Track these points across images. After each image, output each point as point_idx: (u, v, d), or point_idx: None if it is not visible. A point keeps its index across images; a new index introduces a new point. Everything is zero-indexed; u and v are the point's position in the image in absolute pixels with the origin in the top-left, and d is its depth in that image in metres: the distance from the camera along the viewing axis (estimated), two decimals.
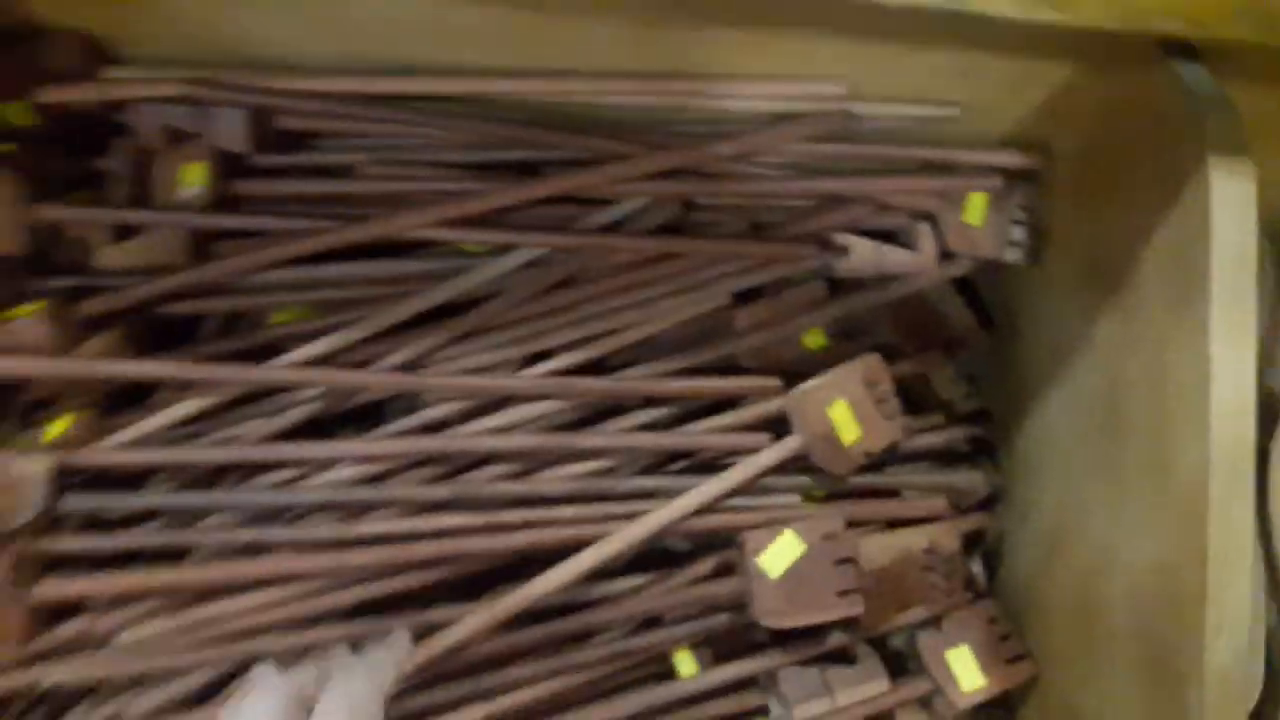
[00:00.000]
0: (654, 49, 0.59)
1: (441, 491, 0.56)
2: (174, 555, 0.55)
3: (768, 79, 0.61)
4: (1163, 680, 0.50)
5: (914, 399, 0.65)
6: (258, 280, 0.61)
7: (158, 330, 0.61)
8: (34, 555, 0.52)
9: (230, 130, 0.60)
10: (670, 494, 0.57)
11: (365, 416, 0.61)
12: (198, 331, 0.62)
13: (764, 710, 0.59)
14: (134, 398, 0.60)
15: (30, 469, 0.54)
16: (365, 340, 0.59)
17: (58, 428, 0.57)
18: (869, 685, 0.58)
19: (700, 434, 0.59)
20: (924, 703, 0.59)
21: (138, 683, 0.54)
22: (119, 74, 0.60)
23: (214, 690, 0.54)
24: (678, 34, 0.58)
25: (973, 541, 0.64)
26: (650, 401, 0.61)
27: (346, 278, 0.62)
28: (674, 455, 0.60)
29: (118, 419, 0.58)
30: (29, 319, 0.56)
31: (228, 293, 0.61)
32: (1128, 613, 0.53)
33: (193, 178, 0.60)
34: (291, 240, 0.60)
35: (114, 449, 0.55)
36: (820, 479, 0.59)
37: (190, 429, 0.58)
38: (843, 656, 0.59)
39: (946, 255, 0.64)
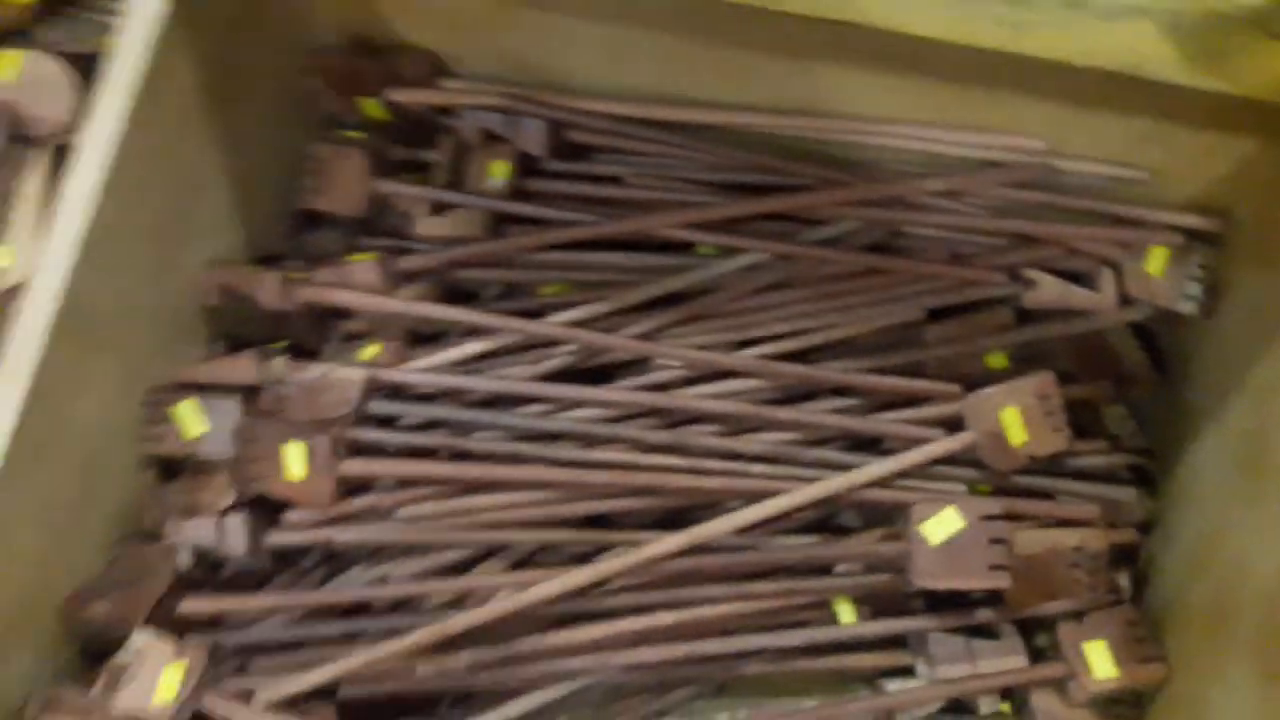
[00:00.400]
0: (881, 97, 0.71)
1: (661, 436, 0.68)
2: (450, 456, 0.68)
3: (977, 130, 0.71)
4: None
5: (1083, 426, 0.72)
6: (535, 258, 0.76)
7: (451, 290, 0.76)
8: (345, 440, 0.67)
9: (533, 137, 0.75)
10: (848, 468, 0.67)
11: (600, 377, 0.73)
12: (479, 296, 0.78)
13: (909, 670, 0.68)
14: (427, 339, 0.75)
15: (350, 376, 0.69)
16: (611, 314, 0.73)
17: (369, 351, 0.73)
18: (1009, 659, 0.66)
19: (883, 422, 0.69)
20: (1057, 685, 0.66)
21: (405, 552, 0.68)
22: (451, 85, 0.77)
23: (466, 566, 0.67)
24: (903, 84, 0.69)
25: (1123, 557, 0.71)
26: (840, 391, 0.71)
27: (603, 264, 0.76)
28: (856, 441, 0.70)
29: (414, 352, 0.73)
30: (364, 264, 0.73)
31: (510, 265, 0.76)
32: (1255, 617, 0.59)
33: (498, 171, 0.76)
34: (566, 229, 0.74)
35: (415, 371, 0.70)
36: (986, 476, 0.68)
37: (469, 367, 0.72)
38: (988, 632, 0.67)
39: (1126, 300, 0.72)
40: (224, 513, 0.66)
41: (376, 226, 0.77)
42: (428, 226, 0.76)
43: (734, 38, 0.70)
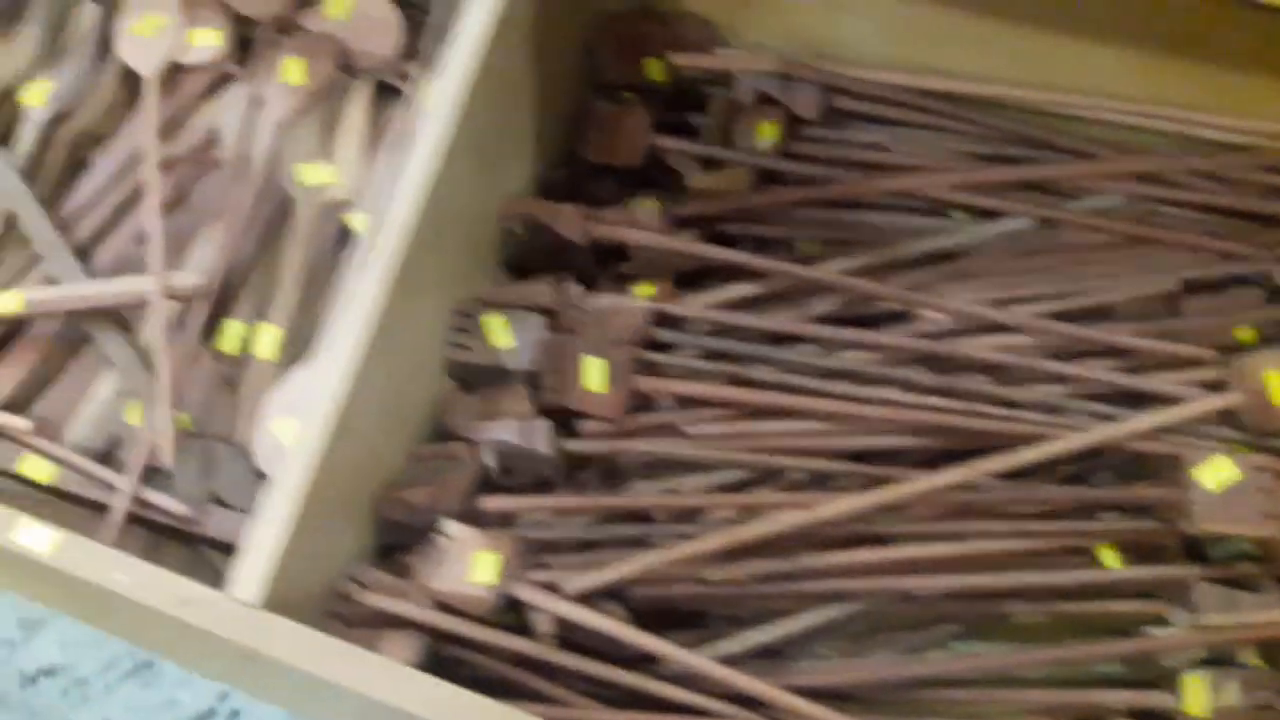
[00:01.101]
0: (1146, 79, 0.75)
1: (934, 380, 0.72)
2: (732, 384, 0.73)
3: (1239, 115, 0.75)
4: None
5: None
6: (797, 215, 0.80)
7: (714, 240, 0.81)
8: (635, 360, 0.71)
9: (806, 101, 0.80)
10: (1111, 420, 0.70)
11: (863, 327, 0.77)
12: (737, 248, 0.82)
13: (1161, 621, 0.70)
14: (690, 284, 0.80)
15: (637, 305, 0.74)
16: (878, 267, 0.77)
17: (644, 290, 0.77)
18: (1272, 612, 0.68)
19: (1153, 380, 0.72)
20: None
21: (685, 469, 0.72)
22: (726, 51, 0.82)
23: (745, 485, 0.71)
24: (1172, 67, 0.74)
25: None
26: (1100, 354, 0.74)
27: (863, 223, 0.80)
28: (1121, 399, 0.73)
29: (682, 294, 0.78)
30: (647, 209, 0.78)
31: (773, 220, 0.80)
32: None
33: (768, 133, 0.81)
34: (834, 185, 0.79)
35: (698, 306, 0.75)
36: (1244, 438, 0.71)
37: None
38: (1249, 586, 0.69)
39: None
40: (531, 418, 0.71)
41: (648, 178, 0.82)
42: (699, 180, 0.81)
43: (1009, 12, 0.75)
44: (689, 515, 0.71)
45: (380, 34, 0.77)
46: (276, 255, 0.75)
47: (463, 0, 0.66)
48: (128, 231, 0.75)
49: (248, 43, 0.79)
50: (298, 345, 0.73)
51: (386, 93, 0.79)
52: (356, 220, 0.74)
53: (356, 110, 0.77)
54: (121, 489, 0.66)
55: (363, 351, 0.61)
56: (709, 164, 0.81)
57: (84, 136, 0.78)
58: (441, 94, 0.64)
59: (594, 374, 0.71)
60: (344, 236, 0.75)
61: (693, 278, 0.79)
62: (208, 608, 0.57)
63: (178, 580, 0.58)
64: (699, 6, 0.82)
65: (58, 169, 0.77)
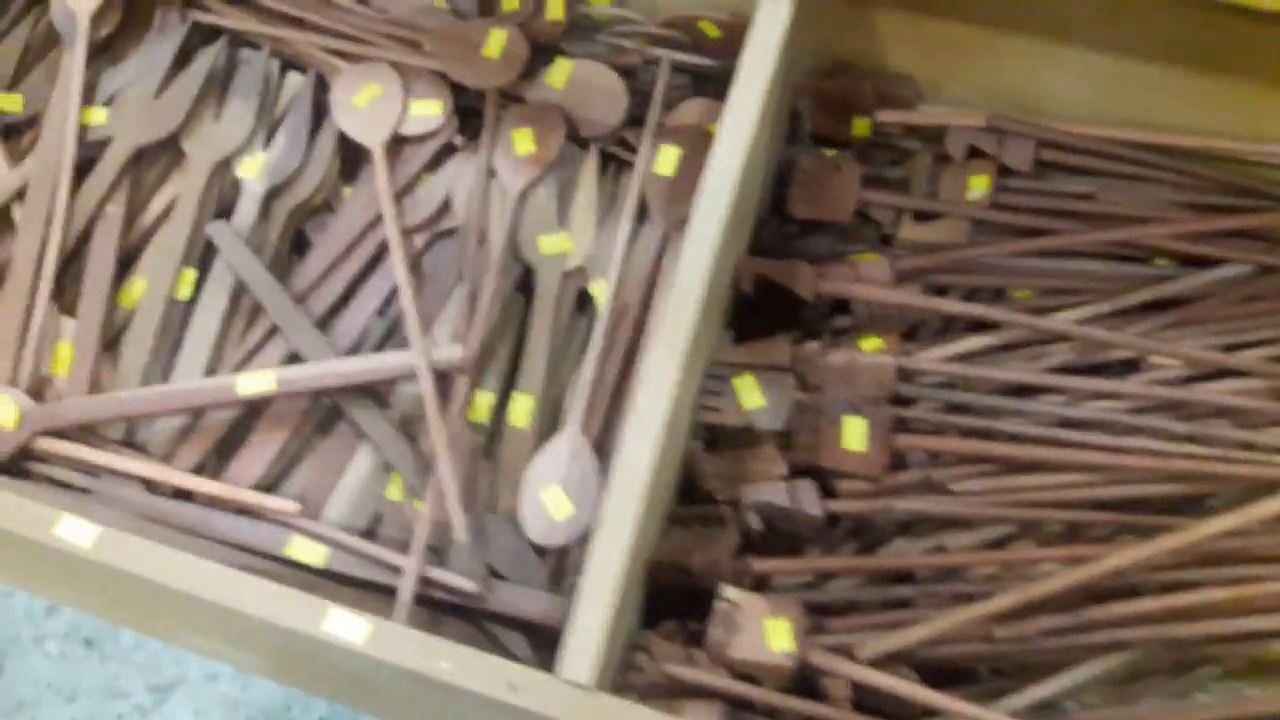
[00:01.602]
0: None
1: (1182, 427, 0.72)
2: (985, 436, 0.73)
3: None
4: None
5: None
6: (1010, 264, 0.81)
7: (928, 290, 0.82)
8: (891, 418, 0.72)
9: (1019, 153, 0.81)
10: None
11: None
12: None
13: None
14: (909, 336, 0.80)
15: (879, 361, 0.74)
16: (1106, 316, 0.78)
17: (872, 344, 0.78)
18: None
19: None
20: None
21: (948, 524, 0.72)
22: (932, 108, 0.84)
23: (1007, 540, 0.71)
24: None
25: None
26: None
27: (1076, 271, 0.81)
28: None
29: (909, 346, 0.78)
30: (872, 263, 0.78)
31: (987, 270, 0.81)
32: None
33: (979, 185, 0.82)
34: (1055, 235, 0.80)
35: (938, 360, 0.75)
36: None
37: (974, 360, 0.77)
38: None
39: None
40: (788, 479, 0.71)
41: (851, 232, 0.83)
42: (911, 232, 0.82)
43: (1216, 65, 0.77)
44: (952, 572, 0.71)
45: (605, 102, 0.78)
46: (510, 322, 0.74)
47: (739, 71, 0.66)
48: (365, 303, 0.74)
49: (466, 114, 0.79)
50: (546, 412, 0.72)
51: (608, 160, 0.79)
52: (596, 288, 0.74)
53: (587, 178, 0.77)
54: (406, 568, 0.64)
55: (664, 422, 0.61)
56: (919, 216, 0.82)
57: (301, 209, 0.77)
58: (722, 168, 0.65)
59: (854, 433, 0.71)
60: (581, 303, 0.75)
61: (911, 330, 0.80)
62: (540, 692, 0.56)
63: (505, 665, 0.57)
64: (902, 64, 0.84)
65: (277, 241, 0.76)
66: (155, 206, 0.77)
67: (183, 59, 0.80)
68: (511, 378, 0.73)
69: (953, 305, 0.77)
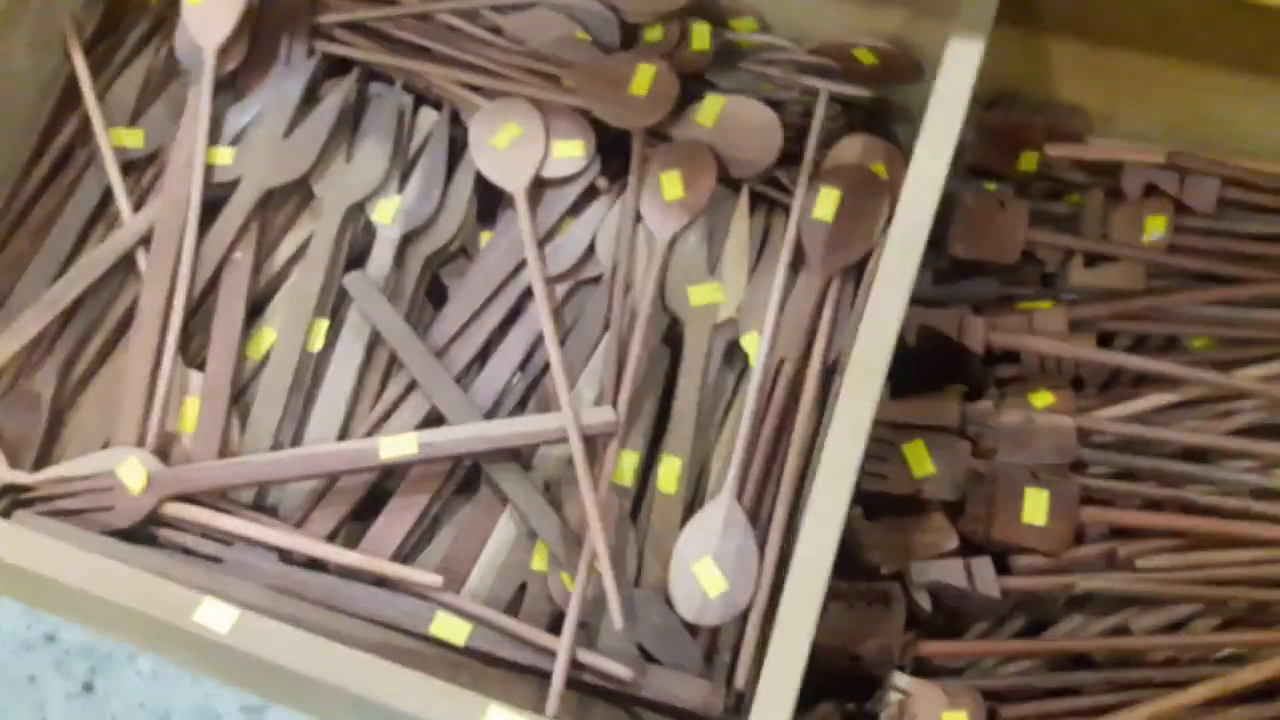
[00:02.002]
0: None
1: None
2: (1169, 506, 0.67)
3: None
4: None
5: None
6: (1185, 312, 0.75)
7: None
8: (1078, 492, 0.66)
9: (1200, 193, 0.75)
10: None
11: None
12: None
13: None
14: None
15: (1058, 423, 0.69)
16: None
17: (1043, 399, 0.72)
18: None
19: None
20: None
21: (1134, 601, 0.66)
22: (1105, 142, 0.77)
23: (1191, 619, 0.65)
24: None
25: None
26: None
27: (1261, 321, 0.74)
28: None
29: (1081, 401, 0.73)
30: (1047, 312, 0.73)
31: (1163, 318, 0.75)
32: None
33: (1156, 226, 0.75)
34: (1228, 285, 0.73)
35: (1119, 419, 0.69)
36: None
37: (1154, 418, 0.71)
38: None
39: None
40: (959, 554, 0.66)
41: (1017, 275, 0.77)
42: (1083, 277, 0.76)
43: None
44: (1133, 656, 0.66)
45: (758, 140, 0.73)
46: (655, 377, 0.70)
47: (931, 112, 0.61)
48: (507, 357, 0.70)
49: (608, 153, 0.74)
50: (693, 474, 0.68)
51: (757, 200, 0.74)
52: (748, 341, 0.69)
53: (739, 223, 0.72)
54: (558, 651, 0.60)
55: (846, 497, 0.57)
56: (1090, 259, 0.76)
57: (438, 255, 0.73)
58: (913, 216, 0.60)
59: (1035, 506, 0.66)
60: (730, 356, 0.71)
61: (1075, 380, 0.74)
62: None
63: None
64: (1072, 94, 0.78)
65: (413, 290, 0.72)
66: (284, 251, 0.74)
67: (311, 94, 0.76)
68: (657, 436, 0.69)
69: (1141, 362, 0.71)
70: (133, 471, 0.64)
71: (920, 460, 0.67)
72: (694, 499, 0.68)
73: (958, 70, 0.63)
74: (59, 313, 0.71)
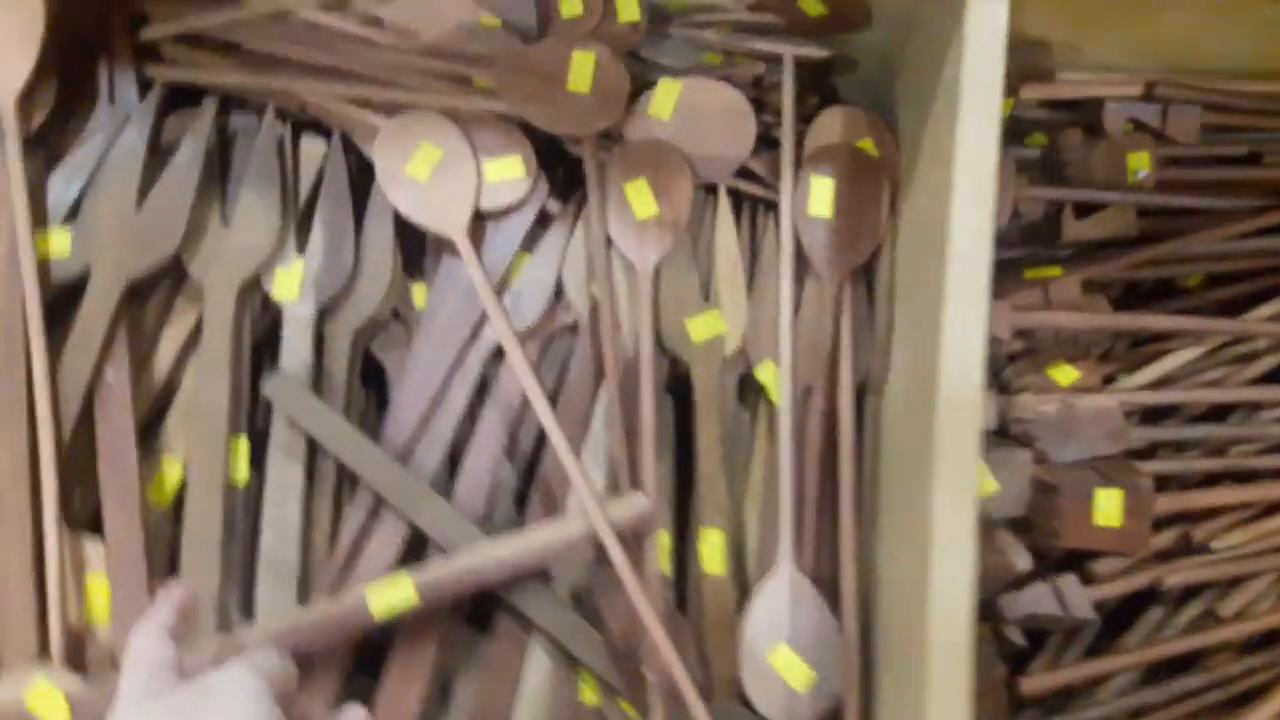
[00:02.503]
0: None
1: None
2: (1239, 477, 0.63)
3: None
4: None
5: None
6: (1181, 250, 0.70)
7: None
8: (1151, 487, 0.60)
9: (1184, 124, 0.69)
10: None
11: None
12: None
13: None
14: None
15: (1105, 406, 0.63)
16: None
17: (1066, 375, 0.66)
18: None
19: None
20: None
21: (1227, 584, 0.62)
22: (1076, 77, 0.70)
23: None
24: None
25: None
26: None
27: (1250, 250, 0.71)
28: None
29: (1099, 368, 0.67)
30: (1060, 282, 0.66)
31: (1160, 261, 0.70)
32: None
33: (1139, 163, 0.70)
34: (1222, 219, 0.69)
35: (1149, 388, 0.64)
36: None
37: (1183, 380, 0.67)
38: None
39: None
40: (1041, 576, 0.59)
41: (1006, 234, 0.70)
42: (1077, 229, 0.70)
43: None
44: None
45: (727, 129, 0.61)
46: (664, 435, 0.59)
47: (964, 88, 0.51)
48: (485, 444, 0.57)
49: (545, 164, 0.61)
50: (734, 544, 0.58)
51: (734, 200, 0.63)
52: (764, 373, 0.59)
53: (725, 234, 0.61)
54: None
55: (970, 574, 0.48)
56: (1080, 209, 0.70)
57: (366, 329, 0.59)
58: (974, 221, 0.50)
59: (1110, 506, 0.60)
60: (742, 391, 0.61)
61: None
62: None
63: None
64: (1034, 28, 0.70)
65: (346, 378, 0.58)
66: (165, 355, 0.57)
67: (154, 141, 0.58)
68: (681, 503, 0.58)
69: (1167, 321, 0.65)
70: (46, 699, 0.48)
71: (983, 479, 0.59)
72: (743, 571, 0.58)
73: (985, 34, 0.53)
74: None
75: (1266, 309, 0.68)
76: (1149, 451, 0.65)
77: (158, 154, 0.58)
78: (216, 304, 0.56)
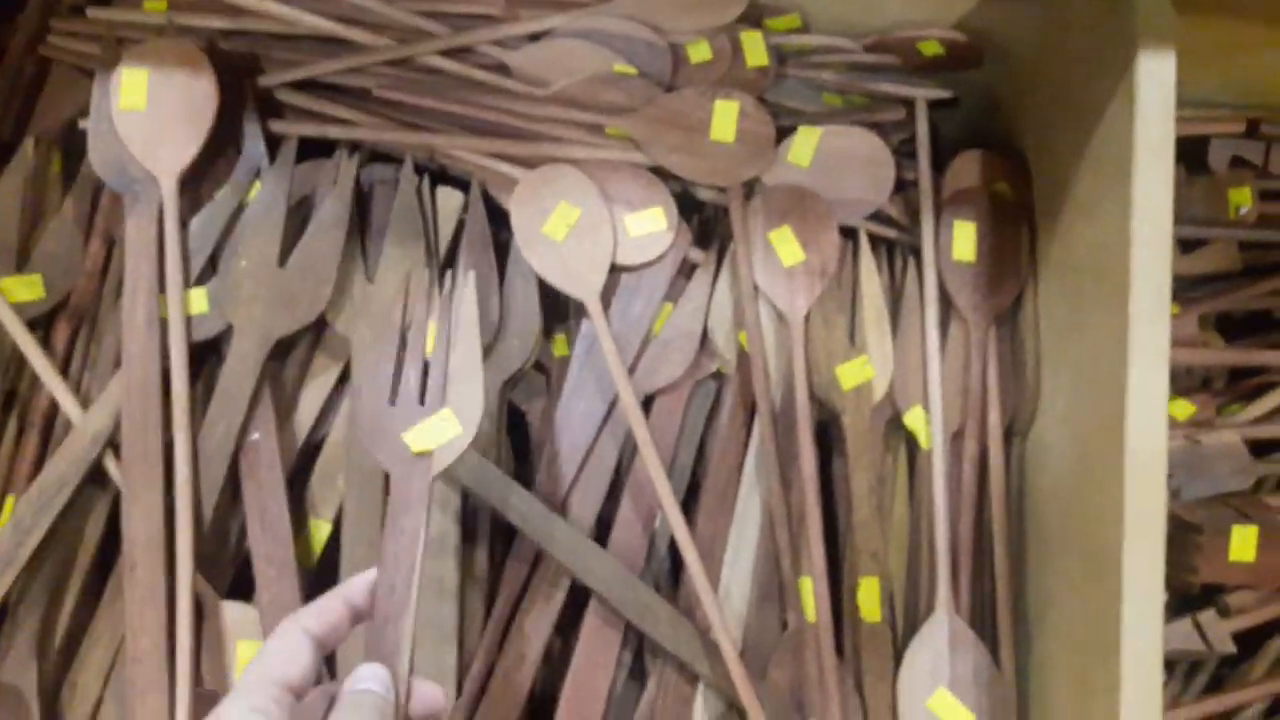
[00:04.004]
0: None
1: None
2: None
3: None
4: None
5: None
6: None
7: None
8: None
9: None
10: None
11: None
12: None
13: None
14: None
15: (1230, 443, 0.64)
16: None
17: (1183, 410, 0.67)
18: None
19: None
20: None
21: None
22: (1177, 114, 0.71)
23: None
24: None
25: None
26: None
27: None
28: None
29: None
30: (1178, 317, 0.67)
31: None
32: None
33: (1241, 198, 0.71)
34: None
35: (1261, 421, 0.65)
36: None
37: None
38: None
39: None
40: (1182, 615, 0.60)
41: None
42: (1183, 265, 0.70)
43: None
44: None
45: (866, 175, 0.61)
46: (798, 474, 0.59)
47: (1140, 119, 0.51)
48: (638, 504, 0.56)
49: (688, 212, 0.60)
50: (888, 590, 0.58)
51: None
52: (913, 419, 0.59)
53: (869, 279, 0.60)
54: None
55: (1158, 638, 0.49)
56: (1185, 244, 0.71)
57: (511, 382, 0.57)
58: (1153, 281, 0.50)
59: (1245, 542, 0.60)
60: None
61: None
62: None
63: None
64: None
65: (494, 432, 0.56)
66: (306, 411, 0.55)
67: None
68: (830, 550, 0.58)
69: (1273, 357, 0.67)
70: None
71: None
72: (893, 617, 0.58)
73: (1156, 85, 0.53)
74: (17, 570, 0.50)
75: None
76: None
77: (293, 209, 0.56)
78: (363, 358, 0.54)
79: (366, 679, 0.37)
